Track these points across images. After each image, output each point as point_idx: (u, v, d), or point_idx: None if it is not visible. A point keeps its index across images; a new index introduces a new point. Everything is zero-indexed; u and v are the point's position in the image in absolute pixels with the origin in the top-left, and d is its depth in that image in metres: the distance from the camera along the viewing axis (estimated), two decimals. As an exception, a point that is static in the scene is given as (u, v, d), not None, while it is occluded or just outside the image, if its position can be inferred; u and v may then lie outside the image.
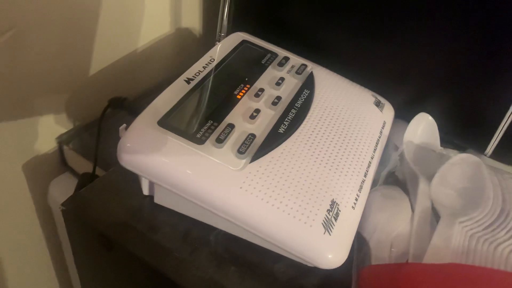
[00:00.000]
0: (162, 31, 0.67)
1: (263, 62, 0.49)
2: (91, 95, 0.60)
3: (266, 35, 0.53)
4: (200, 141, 0.38)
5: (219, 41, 0.55)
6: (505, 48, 0.45)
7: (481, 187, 0.42)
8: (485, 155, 0.51)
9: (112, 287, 0.49)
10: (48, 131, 0.58)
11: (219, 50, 0.49)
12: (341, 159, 0.41)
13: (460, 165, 0.44)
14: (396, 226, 0.40)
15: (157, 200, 0.42)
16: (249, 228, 0.37)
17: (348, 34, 0.53)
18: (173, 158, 0.37)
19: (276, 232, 0.36)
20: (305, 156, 0.40)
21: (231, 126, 0.40)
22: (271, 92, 0.45)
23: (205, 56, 0.48)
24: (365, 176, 0.42)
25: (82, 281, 0.52)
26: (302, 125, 0.43)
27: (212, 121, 0.40)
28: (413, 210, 0.41)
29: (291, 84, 0.47)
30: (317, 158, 0.40)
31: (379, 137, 0.47)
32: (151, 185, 0.42)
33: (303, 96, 0.46)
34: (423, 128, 0.48)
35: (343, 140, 0.43)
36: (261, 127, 0.41)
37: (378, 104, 0.50)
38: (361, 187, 0.41)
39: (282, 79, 0.47)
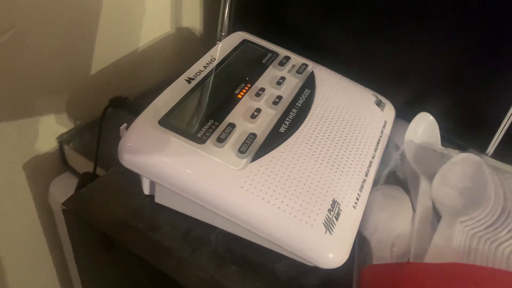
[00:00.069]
0: (162, 30, 0.67)
1: (264, 62, 0.49)
2: (92, 94, 0.60)
3: (267, 34, 0.53)
4: (201, 141, 0.38)
5: (219, 41, 0.55)
6: (506, 47, 0.45)
7: (482, 186, 0.42)
8: (486, 155, 0.51)
9: (113, 287, 0.49)
10: (49, 130, 0.58)
11: (220, 50, 0.49)
12: (342, 158, 0.41)
13: (461, 164, 0.44)
14: (397, 225, 0.40)
15: (158, 199, 0.42)
16: (250, 228, 0.37)
17: (349, 34, 0.53)
18: (174, 157, 0.37)
19: (277, 231, 0.36)
20: (306, 155, 0.40)
21: (232, 126, 0.40)
22: (272, 92, 0.45)
23: (205, 55, 0.48)
24: (366, 175, 0.42)
25: (82, 281, 0.52)
26: (303, 125, 0.43)
27: (213, 121, 0.40)
28: (414, 210, 0.41)
29: (292, 84, 0.47)
30: (318, 157, 0.40)
31: (380, 136, 0.47)
32: (152, 184, 0.42)
33: (304, 95, 0.46)
34: (424, 127, 0.48)
35: (344, 139, 0.43)
36: (262, 127, 0.41)
37: (379, 103, 0.50)
38: (362, 187, 0.41)
39: (283, 78, 0.47)
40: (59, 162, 0.61)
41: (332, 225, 0.36)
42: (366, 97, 0.50)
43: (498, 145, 0.50)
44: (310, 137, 0.42)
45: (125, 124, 0.39)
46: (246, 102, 0.43)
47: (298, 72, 0.48)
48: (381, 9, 0.50)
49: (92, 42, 0.57)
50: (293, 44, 0.52)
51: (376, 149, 0.45)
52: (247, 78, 0.46)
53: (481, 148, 0.51)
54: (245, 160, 0.38)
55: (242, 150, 0.38)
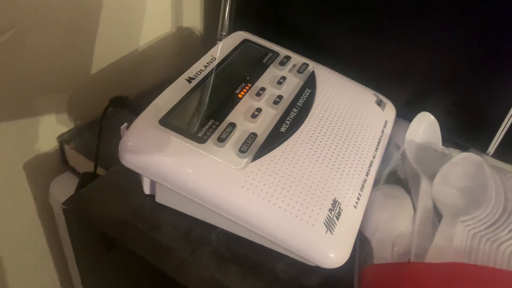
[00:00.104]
0: (163, 30, 0.67)
1: (264, 61, 0.49)
2: (92, 94, 0.60)
3: (268, 34, 0.53)
4: (202, 140, 0.38)
5: (220, 40, 0.55)
6: (507, 47, 0.45)
7: (483, 186, 0.42)
8: (487, 154, 0.51)
9: (113, 286, 0.49)
10: (49, 130, 0.58)
11: (220, 49, 0.49)
12: (342, 158, 0.41)
13: (462, 164, 0.44)
14: (398, 225, 0.40)
15: (158, 199, 0.42)
16: (251, 227, 0.37)
17: (350, 33, 0.53)
18: (174, 157, 0.37)
19: (277, 231, 0.36)
20: (307, 155, 0.40)
21: (232, 125, 0.40)
22: (272, 91, 0.45)
23: (206, 55, 0.48)
24: (367, 175, 0.42)
25: (83, 280, 0.52)
26: (303, 124, 0.43)
27: (213, 120, 0.40)
28: (415, 209, 0.41)
29: (293, 83, 0.47)
30: (318, 157, 0.40)
31: (381, 136, 0.46)
32: (152, 184, 0.42)
33: (304, 95, 0.46)
34: (425, 127, 0.48)
35: (345, 139, 0.43)
36: (262, 126, 0.41)
37: (379, 103, 0.50)
38: (363, 186, 0.41)
39: (283, 78, 0.47)
40: (60, 161, 0.61)
41: (333, 225, 0.36)
42: (366, 96, 0.50)
43: (499, 144, 0.50)
44: (311, 136, 0.42)
45: (125, 124, 0.39)
46: (246, 102, 0.43)
47: (299, 71, 0.48)
48: (382, 9, 0.50)
49: (93, 41, 0.57)
50: (294, 43, 0.52)
51: (377, 148, 0.45)
52: (248, 78, 0.46)
53: (482, 148, 0.51)
54: (245, 159, 0.38)
55: (242, 149, 0.38)
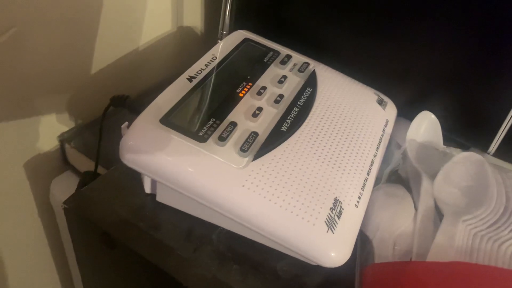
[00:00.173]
0: (163, 29, 0.67)
1: (265, 60, 0.49)
2: (93, 93, 0.60)
3: (268, 33, 0.53)
4: (203, 139, 0.38)
5: (221, 39, 0.55)
6: (507, 47, 0.45)
7: (485, 185, 0.42)
8: (488, 154, 0.51)
9: (114, 286, 0.49)
10: (50, 129, 0.58)
11: (221, 48, 0.49)
12: (343, 157, 0.41)
13: (464, 163, 0.44)
14: (399, 224, 0.40)
15: (159, 198, 0.42)
16: (252, 227, 0.37)
17: (351, 32, 0.53)
18: (175, 156, 0.37)
19: (278, 230, 0.36)
20: (308, 154, 0.40)
21: (233, 124, 0.40)
22: (273, 90, 0.45)
23: (207, 54, 0.48)
24: (368, 174, 0.42)
25: (83, 280, 0.52)
26: (304, 123, 0.42)
27: (214, 119, 0.40)
28: (416, 209, 0.41)
29: (294, 82, 0.47)
30: (319, 156, 0.40)
31: (382, 135, 0.46)
32: (153, 183, 0.42)
33: (305, 94, 0.46)
34: (426, 126, 0.48)
35: (346, 138, 0.43)
36: (263, 125, 0.41)
37: (380, 102, 0.50)
38: (364, 185, 0.41)
39: (284, 77, 0.46)
40: (60, 161, 0.61)
41: (334, 224, 0.36)
42: (368, 95, 0.50)
43: (500, 143, 0.50)
44: (312, 135, 0.42)
45: (126, 123, 0.39)
46: (247, 101, 0.43)
47: (300, 70, 0.48)
48: (382, 8, 0.50)
49: (93, 41, 0.57)
50: (295, 42, 0.52)
51: (378, 147, 0.45)
52: (249, 77, 0.46)
53: (483, 147, 0.51)
54: (246, 158, 0.38)
55: (243, 148, 0.38)
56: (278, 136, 0.40)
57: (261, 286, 0.38)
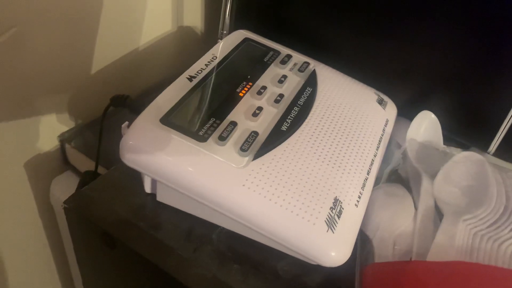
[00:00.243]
0: (164, 29, 0.67)
1: (265, 60, 0.49)
2: (93, 93, 0.60)
3: (268, 32, 0.53)
4: (203, 139, 0.38)
5: (221, 39, 0.55)
6: (508, 46, 0.45)
7: (485, 185, 0.42)
8: (488, 153, 0.51)
9: (114, 286, 0.49)
10: (50, 129, 0.58)
11: (221, 48, 0.49)
12: (344, 156, 0.41)
13: (464, 163, 0.44)
14: (399, 224, 0.40)
15: (160, 198, 0.42)
16: (252, 226, 0.37)
17: (351, 32, 0.53)
18: (175, 156, 0.37)
19: (278, 230, 0.36)
20: (308, 153, 0.40)
21: (233, 124, 0.40)
22: (273, 90, 0.45)
23: (207, 54, 0.48)
24: (368, 173, 0.42)
25: (84, 279, 0.52)
26: (304, 123, 0.42)
27: (214, 119, 0.40)
28: (416, 208, 0.41)
29: (294, 82, 0.47)
30: (320, 155, 0.40)
31: (382, 135, 0.46)
32: (154, 183, 0.42)
33: (305, 94, 0.46)
34: (426, 126, 0.48)
35: (346, 137, 0.43)
36: (263, 125, 0.41)
37: (381, 102, 0.50)
38: (364, 185, 0.41)
39: (284, 76, 0.46)
40: (61, 160, 0.61)
41: (334, 223, 0.36)
42: (368, 95, 0.50)
43: (500, 143, 0.50)
44: (312, 135, 0.42)
45: (126, 123, 0.39)
46: (247, 101, 0.43)
47: (300, 70, 0.48)
48: (382, 8, 0.50)
49: (93, 41, 0.57)
50: (295, 42, 0.52)
51: (378, 147, 0.45)
52: (249, 77, 0.46)
53: (483, 147, 0.51)
54: (246, 158, 0.38)
55: (243, 148, 0.38)
56: (278, 135, 0.40)
57: (261, 286, 0.38)
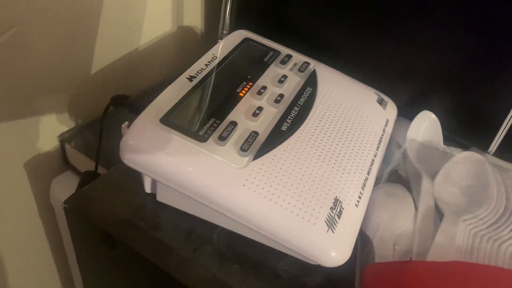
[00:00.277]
0: (164, 29, 0.67)
1: (265, 60, 0.49)
2: (93, 93, 0.60)
3: (269, 32, 0.53)
4: (203, 139, 0.38)
5: (221, 39, 0.55)
6: (508, 46, 0.45)
7: (485, 185, 0.42)
8: (489, 153, 0.51)
9: (114, 285, 0.49)
10: (50, 129, 0.58)
11: (221, 48, 0.49)
12: (344, 156, 0.41)
13: (464, 163, 0.44)
14: (399, 224, 0.40)
15: (160, 198, 0.42)
16: (252, 226, 0.37)
17: (351, 32, 0.53)
18: (175, 156, 0.37)
19: (278, 230, 0.36)
20: (308, 153, 0.40)
21: (233, 124, 0.40)
22: (273, 90, 0.45)
23: (207, 54, 0.48)
24: (368, 174, 0.42)
25: (84, 279, 0.52)
26: (304, 123, 0.42)
27: (214, 119, 0.40)
28: (416, 208, 0.41)
29: (294, 82, 0.47)
30: (320, 155, 0.40)
31: (382, 135, 0.46)
32: (154, 183, 0.42)
33: (305, 93, 0.46)
34: (426, 126, 0.48)
35: (346, 137, 0.43)
36: (263, 125, 0.41)
37: (381, 102, 0.50)
38: (364, 185, 0.41)
39: (284, 76, 0.46)
40: (61, 160, 0.61)
41: (334, 224, 0.36)
42: (368, 95, 0.50)
43: (500, 143, 0.50)
44: (312, 135, 0.42)
45: (126, 123, 0.39)
46: (247, 101, 0.43)
47: (300, 70, 0.48)
48: (382, 8, 0.50)
49: (93, 41, 0.57)
50: (295, 42, 0.52)
51: (378, 147, 0.45)
52: (249, 77, 0.46)
53: (483, 147, 0.51)
54: (246, 158, 0.38)
55: (244, 148, 0.38)
56: (278, 135, 0.40)
57: (261, 286, 0.38)
